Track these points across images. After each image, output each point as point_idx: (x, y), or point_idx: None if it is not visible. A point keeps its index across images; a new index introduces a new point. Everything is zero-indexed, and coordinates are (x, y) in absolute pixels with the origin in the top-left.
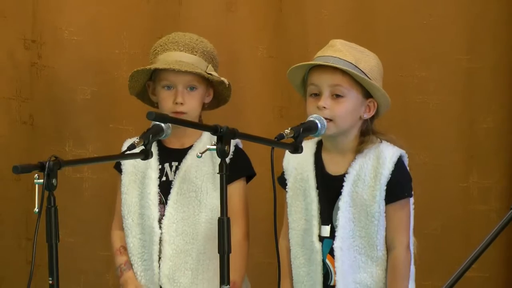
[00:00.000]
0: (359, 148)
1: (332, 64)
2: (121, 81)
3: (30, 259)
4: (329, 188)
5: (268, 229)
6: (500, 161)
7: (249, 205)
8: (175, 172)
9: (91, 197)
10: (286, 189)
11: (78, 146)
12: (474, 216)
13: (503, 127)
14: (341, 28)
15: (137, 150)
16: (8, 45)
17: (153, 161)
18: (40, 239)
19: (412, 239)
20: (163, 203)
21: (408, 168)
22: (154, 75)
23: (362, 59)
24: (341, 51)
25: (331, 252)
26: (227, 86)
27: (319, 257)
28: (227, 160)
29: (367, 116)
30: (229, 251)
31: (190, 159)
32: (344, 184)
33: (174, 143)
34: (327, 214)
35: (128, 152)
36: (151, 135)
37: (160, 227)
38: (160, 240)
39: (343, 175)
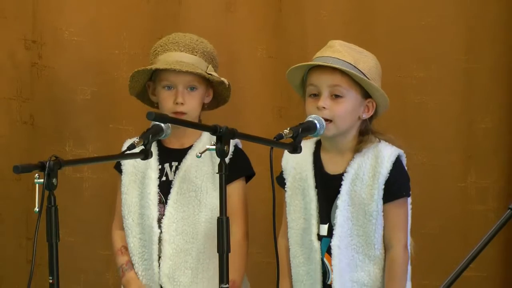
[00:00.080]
0: (358, 147)
1: (331, 65)
2: (121, 81)
3: (31, 258)
4: (328, 187)
5: (267, 228)
6: (498, 161)
7: (248, 205)
8: (175, 172)
9: (91, 196)
10: (285, 189)
11: (78, 146)
12: (472, 216)
13: (501, 127)
14: (340, 29)
15: (137, 150)
16: (9, 46)
17: (153, 161)
18: (41, 239)
19: (409, 239)
20: (163, 202)
21: (406, 168)
22: (154, 76)
23: (361, 60)
24: (340, 51)
25: (329, 251)
26: (227, 86)
27: (318, 256)
28: (227, 160)
29: (366, 116)
30: (228, 250)
31: (190, 159)
32: (343, 183)
33: (174, 143)
34: (326, 213)
35: (128, 152)
36: (151, 135)
37: (160, 227)
38: (160, 240)
39: (342, 174)
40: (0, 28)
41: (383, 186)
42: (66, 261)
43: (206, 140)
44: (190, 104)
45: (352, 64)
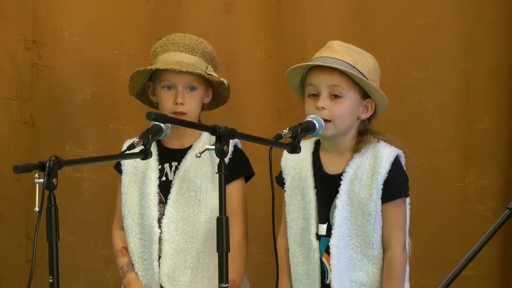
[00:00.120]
0: (357, 147)
1: (330, 65)
2: (121, 81)
3: (31, 258)
4: (327, 187)
5: (266, 228)
6: (496, 161)
7: (248, 205)
8: (174, 172)
9: (91, 196)
10: (284, 189)
11: (78, 146)
12: (470, 216)
13: (500, 127)
14: (339, 29)
15: (136, 150)
16: (9, 46)
17: (153, 162)
18: (41, 238)
19: (407, 240)
20: (163, 202)
21: (404, 168)
22: (154, 76)
23: (360, 60)
24: (339, 52)
25: (327, 251)
26: (226, 86)
27: (316, 256)
28: (226, 160)
29: (364, 116)
30: (228, 250)
31: (189, 159)
32: (341, 183)
33: (173, 143)
34: (325, 213)
35: (127, 152)
36: (150, 135)
37: (160, 227)
38: (160, 239)
39: (341, 174)
40: (0, 28)
41: (381, 186)
42: (66, 261)
43: (206, 140)
44: (190, 104)
45: (351, 65)
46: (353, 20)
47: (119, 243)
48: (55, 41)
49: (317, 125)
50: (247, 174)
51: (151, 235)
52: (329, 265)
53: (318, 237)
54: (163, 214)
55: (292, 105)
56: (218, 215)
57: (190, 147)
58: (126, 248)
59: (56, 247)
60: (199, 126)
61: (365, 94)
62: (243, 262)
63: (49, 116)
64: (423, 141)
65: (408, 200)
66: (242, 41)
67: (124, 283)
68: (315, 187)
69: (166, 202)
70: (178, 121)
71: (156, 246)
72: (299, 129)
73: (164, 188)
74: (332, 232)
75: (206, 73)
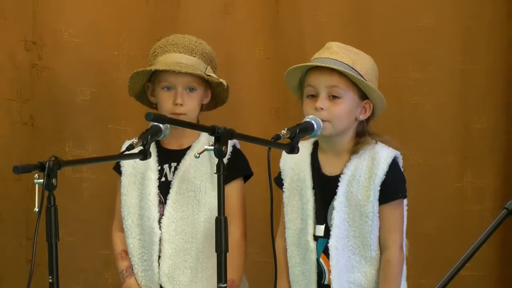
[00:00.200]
0: (355, 149)
1: (329, 66)
2: (120, 82)
3: (30, 258)
4: (325, 189)
5: (265, 228)
6: (494, 161)
7: (247, 205)
8: (174, 173)
9: (91, 197)
10: (283, 189)
11: (77, 146)
12: (468, 216)
13: (497, 128)
14: (338, 30)
15: (135, 150)
16: (9, 47)
17: (152, 162)
18: (40, 238)
19: (404, 241)
20: (162, 203)
21: (402, 169)
22: (154, 77)
23: (358, 61)
24: (337, 53)
25: (325, 252)
26: (225, 87)
27: (313, 256)
28: (225, 160)
29: (363, 117)
30: (226, 250)
31: (188, 159)
32: (339, 184)
33: (172, 144)
34: (322, 214)
35: (127, 152)
36: (149, 136)
37: (160, 227)
38: (160, 240)
39: (339, 176)
40: (1, 29)
41: (379, 188)
42: (66, 261)
43: (205, 140)
44: (189, 105)
45: (349, 66)
46: (351, 21)
47: (119, 245)
48: (55, 42)
49: (315, 126)
50: (246, 174)
51: (152, 235)
52: (327, 266)
53: (316, 238)
54: (163, 215)
55: (290, 106)
56: (217, 215)
57: (189, 148)
58: (126, 252)
59: (56, 247)
60: (198, 127)
61: (363, 95)
62: (242, 262)
63: (49, 116)
64: (420, 142)
65: (405, 201)
66: (241, 42)
67: None
68: (313, 188)
69: (165, 203)
70: (177, 122)
71: (156, 247)
72: (298, 130)
73: (164, 188)
74: (331, 233)
75: (205, 74)
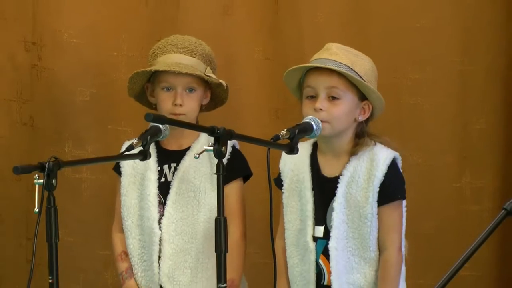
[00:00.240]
0: (354, 150)
1: (328, 66)
2: (119, 83)
3: (30, 258)
4: (324, 190)
5: (264, 229)
6: (492, 162)
7: (247, 206)
8: (173, 173)
9: (90, 197)
10: (282, 190)
11: (77, 147)
12: (467, 216)
13: (496, 128)
14: (337, 31)
15: (135, 151)
16: (9, 48)
17: (152, 163)
18: (40, 239)
19: (403, 242)
20: (162, 203)
21: (401, 170)
22: (153, 77)
23: (358, 62)
24: (337, 54)
25: (324, 253)
26: (225, 88)
27: (312, 257)
28: (225, 160)
29: (362, 118)
30: (226, 250)
31: (188, 160)
32: (338, 185)
33: (172, 145)
34: (322, 215)
35: (126, 153)
36: (149, 136)
37: (160, 228)
38: (160, 240)
39: (338, 177)
40: (1, 30)
41: (377, 189)
42: (66, 261)
43: (204, 141)
44: (189, 105)
45: (349, 67)
46: (350, 21)
47: (119, 247)
48: (54, 42)
49: (314, 126)
50: (245, 174)
51: (152, 236)
52: (327, 267)
53: (315, 239)
54: (162, 215)
55: (289, 106)
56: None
57: (188, 148)
58: (125, 253)
59: (56, 247)
60: (197, 127)
61: (362, 96)
62: (241, 262)
63: (49, 117)
64: (419, 142)
65: (404, 202)
66: (240, 42)
67: None
68: (313, 189)
69: (165, 203)
70: (177, 122)
71: (156, 247)
72: (297, 130)
73: (163, 189)
74: (331, 234)
75: (205, 74)
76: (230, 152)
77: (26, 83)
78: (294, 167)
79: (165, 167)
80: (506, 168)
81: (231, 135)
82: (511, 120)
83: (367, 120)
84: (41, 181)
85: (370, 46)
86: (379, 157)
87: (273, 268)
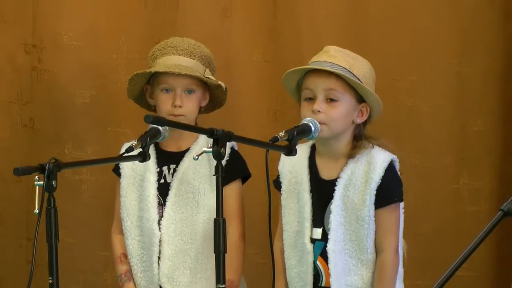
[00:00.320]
0: (352, 153)
1: (327, 69)
2: (119, 85)
3: (31, 258)
4: (322, 192)
5: (263, 230)
6: (490, 163)
7: (246, 207)
8: (172, 175)
9: (90, 198)
10: (281, 192)
11: (77, 148)
12: (464, 217)
13: (493, 130)
14: (335, 33)
15: (135, 152)
16: (9, 50)
17: (152, 164)
18: (40, 239)
19: (402, 242)
20: (161, 204)
21: (399, 172)
22: (153, 79)
23: (356, 65)
24: (335, 56)
25: (322, 254)
26: (224, 90)
27: (310, 259)
28: (224, 162)
29: (359, 120)
30: (225, 251)
31: (187, 161)
32: (336, 188)
33: (171, 146)
34: (319, 217)
35: (126, 154)
36: (148, 138)
37: (159, 229)
38: (160, 241)
39: (335, 180)
40: (1, 32)
41: (375, 192)
42: (66, 262)
43: (203, 142)
44: (188, 107)
45: (347, 69)
46: (349, 24)
47: (118, 249)
48: (54, 45)
49: (312, 128)
50: (244, 175)
51: (151, 237)
52: (324, 268)
53: (313, 241)
54: (162, 216)
55: (288, 108)
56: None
57: (187, 150)
58: (125, 255)
59: (56, 248)
60: (196, 129)
61: (360, 99)
62: (241, 263)
63: (49, 119)
64: (417, 144)
65: (402, 204)
66: (239, 45)
67: None
68: (311, 191)
69: (164, 204)
70: (176, 124)
71: (156, 248)
72: (295, 132)
73: (163, 190)
74: (329, 237)
75: (204, 76)
76: (229, 154)
77: (26, 85)
78: (293, 169)
79: (165, 168)
80: (503, 169)
81: (230, 136)
82: (509, 122)
83: (364, 123)
84: (41, 182)
85: (368, 48)
86: (377, 160)
87: (272, 269)
